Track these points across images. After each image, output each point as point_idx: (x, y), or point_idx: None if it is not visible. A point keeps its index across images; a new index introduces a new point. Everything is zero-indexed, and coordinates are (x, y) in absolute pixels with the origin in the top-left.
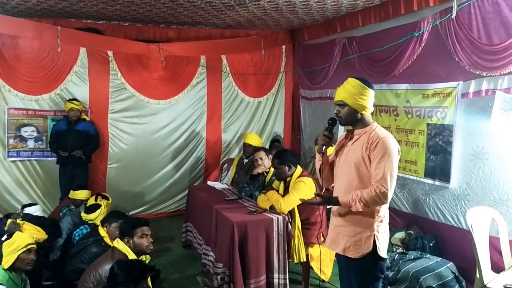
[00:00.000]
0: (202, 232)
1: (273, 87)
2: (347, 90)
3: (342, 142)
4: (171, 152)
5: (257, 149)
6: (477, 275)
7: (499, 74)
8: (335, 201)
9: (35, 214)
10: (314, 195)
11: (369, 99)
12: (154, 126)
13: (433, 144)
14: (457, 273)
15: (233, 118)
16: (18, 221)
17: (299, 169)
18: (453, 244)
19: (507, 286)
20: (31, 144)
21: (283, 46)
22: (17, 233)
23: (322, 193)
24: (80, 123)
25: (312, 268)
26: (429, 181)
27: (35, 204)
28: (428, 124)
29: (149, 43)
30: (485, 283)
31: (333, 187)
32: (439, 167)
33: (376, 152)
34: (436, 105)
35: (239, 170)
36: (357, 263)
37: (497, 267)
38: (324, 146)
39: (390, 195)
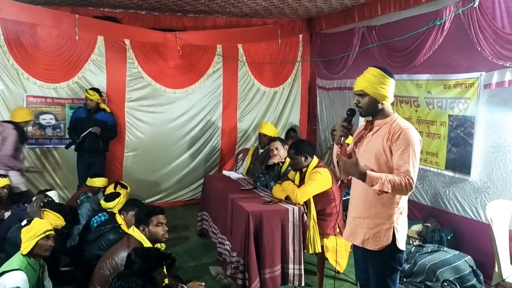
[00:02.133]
0: (218, 221)
1: (289, 76)
2: (367, 79)
3: (361, 133)
4: (187, 141)
5: (273, 139)
6: (496, 269)
7: None
8: (361, 171)
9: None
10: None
11: (389, 88)
12: (170, 115)
13: (454, 136)
14: (474, 267)
15: (249, 108)
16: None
17: (315, 160)
18: (471, 237)
19: None
20: (49, 131)
21: (300, 35)
22: (36, 220)
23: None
24: (99, 112)
25: (327, 259)
26: (450, 173)
27: (51, 189)
28: (449, 116)
29: (166, 31)
30: (504, 278)
31: (349, 178)
32: (460, 159)
33: (398, 143)
34: (458, 96)
35: (255, 160)
36: (375, 255)
37: None
38: (343, 137)
39: (414, 186)
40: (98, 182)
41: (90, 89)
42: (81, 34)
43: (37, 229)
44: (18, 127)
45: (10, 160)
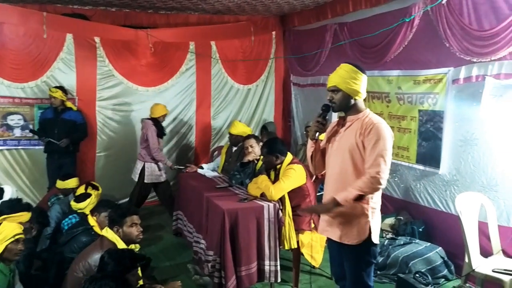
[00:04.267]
0: (193, 220)
1: (263, 74)
2: (340, 75)
3: (334, 129)
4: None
5: (247, 136)
6: (466, 260)
7: (489, 60)
8: (332, 203)
9: (11, 197)
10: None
11: (361, 84)
12: (143, 114)
13: (424, 130)
14: (445, 258)
15: (223, 106)
16: None
17: (289, 156)
18: (442, 229)
19: (496, 270)
20: (17, 132)
21: (273, 32)
22: (4, 223)
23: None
24: (67, 112)
25: (303, 254)
26: (420, 167)
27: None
28: (419, 110)
29: (137, 29)
30: (473, 268)
31: (323, 174)
32: (429, 153)
33: (370, 138)
34: (427, 91)
35: (229, 158)
36: (351, 249)
37: (486, 252)
38: (318, 133)
39: (384, 179)
40: (71, 183)
41: (53, 87)
42: (49, 32)
43: (6, 233)
44: (157, 122)
45: (158, 153)
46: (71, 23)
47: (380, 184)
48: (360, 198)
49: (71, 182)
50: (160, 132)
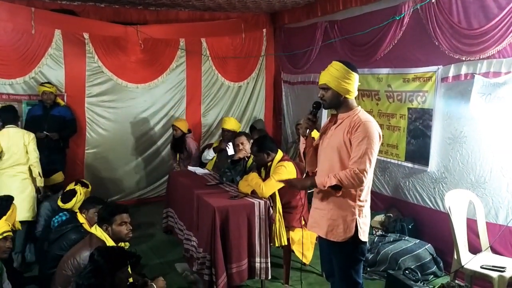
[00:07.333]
0: (183, 218)
1: (254, 71)
2: (331, 73)
3: (326, 126)
4: (151, 137)
5: (238, 134)
6: (455, 256)
7: (478, 58)
8: (312, 182)
9: None
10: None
11: (353, 83)
12: (132, 111)
13: (413, 128)
14: (435, 255)
15: (213, 103)
16: None
17: (279, 154)
18: (431, 226)
19: (484, 266)
20: None
21: (264, 30)
22: None
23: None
24: (55, 108)
25: (293, 251)
26: (409, 164)
27: None
28: (409, 108)
29: (127, 25)
30: (462, 264)
31: (315, 172)
32: (418, 150)
33: (356, 136)
34: (417, 89)
35: (219, 155)
36: (338, 246)
37: (474, 249)
38: (308, 130)
39: (366, 178)
40: (57, 177)
41: (43, 83)
42: (37, 28)
43: None
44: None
45: None
46: (59, 19)
47: (362, 182)
48: (336, 188)
49: (57, 177)
50: (172, 144)
